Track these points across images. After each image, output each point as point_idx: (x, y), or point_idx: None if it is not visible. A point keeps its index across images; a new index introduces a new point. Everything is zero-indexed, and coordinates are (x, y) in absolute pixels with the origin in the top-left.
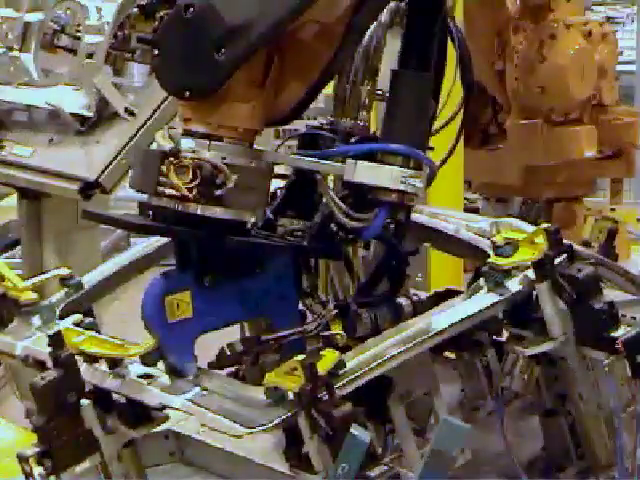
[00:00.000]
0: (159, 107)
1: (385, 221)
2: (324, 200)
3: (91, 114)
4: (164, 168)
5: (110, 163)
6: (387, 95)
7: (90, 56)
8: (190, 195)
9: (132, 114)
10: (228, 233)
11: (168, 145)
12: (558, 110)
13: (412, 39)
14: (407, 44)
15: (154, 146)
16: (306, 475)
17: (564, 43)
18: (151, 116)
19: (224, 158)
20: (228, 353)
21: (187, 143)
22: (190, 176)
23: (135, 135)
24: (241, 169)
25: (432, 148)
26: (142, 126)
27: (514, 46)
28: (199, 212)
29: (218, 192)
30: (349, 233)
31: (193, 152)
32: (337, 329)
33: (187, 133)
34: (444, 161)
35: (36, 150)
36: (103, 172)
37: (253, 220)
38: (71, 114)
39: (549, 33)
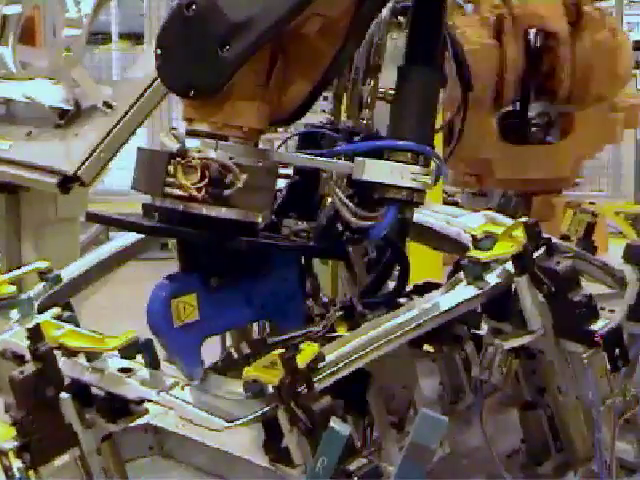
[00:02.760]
0: (138, 100)
1: (394, 219)
2: (330, 199)
3: (70, 107)
4: (171, 169)
5: (89, 156)
6: (389, 93)
7: (68, 49)
8: (198, 195)
9: (110, 107)
10: (237, 234)
11: (175, 145)
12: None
13: (417, 34)
14: (412, 39)
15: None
16: (285, 468)
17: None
18: (130, 109)
19: (231, 158)
20: (235, 356)
21: (192, 143)
22: (198, 176)
23: (114, 128)
24: (249, 169)
25: (433, 147)
26: (121, 119)
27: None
28: (208, 213)
29: (227, 192)
30: (355, 232)
31: (200, 152)
32: (342, 331)
33: (191, 133)
34: (447, 157)
35: (14, 143)
36: (82, 165)
37: (261, 221)
38: (49, 107)
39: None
